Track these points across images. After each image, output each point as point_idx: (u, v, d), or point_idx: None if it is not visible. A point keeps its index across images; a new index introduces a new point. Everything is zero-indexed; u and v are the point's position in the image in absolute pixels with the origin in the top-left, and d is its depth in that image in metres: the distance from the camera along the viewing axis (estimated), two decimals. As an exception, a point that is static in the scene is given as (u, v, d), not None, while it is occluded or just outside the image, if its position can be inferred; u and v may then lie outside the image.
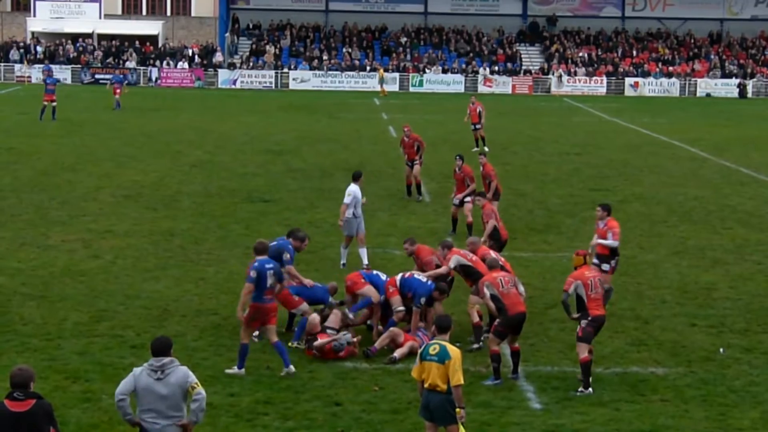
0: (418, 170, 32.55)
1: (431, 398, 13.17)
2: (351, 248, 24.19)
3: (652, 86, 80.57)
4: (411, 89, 78.82)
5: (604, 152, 45.13)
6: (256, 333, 18.72)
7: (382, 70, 77.66)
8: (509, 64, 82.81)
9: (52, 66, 75.11)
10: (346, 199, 23.93)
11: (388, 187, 34.46)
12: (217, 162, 39.85)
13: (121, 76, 63.11)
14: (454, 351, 13.10)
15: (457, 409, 13.09)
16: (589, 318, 16.61)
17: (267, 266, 16.85)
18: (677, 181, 37.74)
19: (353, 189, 24.14)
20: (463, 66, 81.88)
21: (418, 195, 32.58)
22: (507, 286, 16.99)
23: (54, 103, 52.74)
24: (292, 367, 17.00)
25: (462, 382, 13.06)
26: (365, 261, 23.53)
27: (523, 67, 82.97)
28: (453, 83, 79.31)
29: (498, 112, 60.93)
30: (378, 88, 75.64)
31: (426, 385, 13.17)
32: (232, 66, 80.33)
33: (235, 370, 16.99)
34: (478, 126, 44.68)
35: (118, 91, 58.46)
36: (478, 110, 44.65)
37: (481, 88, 78.54)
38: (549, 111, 65.71)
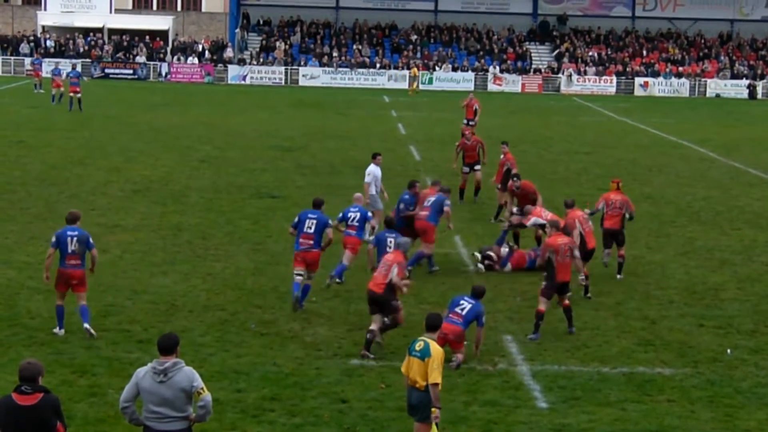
0: (479, 176, 32.03)
1: (411, 394, 13.32)
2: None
3: (661, 86, 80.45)
4: (421, 87, 78.73)
5: (613, 152, 45.09)
6: (253, 324, 18.85)
7: (415, 69, 77.69)
8: (519, 63, 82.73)
9: (63, 59, 75.50)
10: (367, 179, 25.99)
11: (396, 184, 34.34)
12: (225, 157, 39.88)
13: (60, 69, 62.33)
14: (435, 350, 13.13)
15: (433, 409, 13.07)
16: (602, 227, 23.13)
17: (69, 233, 18.20)
18: (686, 181, 37.70)
19: (372, 169, 26.14)
20: (474, 64, 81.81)
21: (475, 197, 32.34)
22: (565, 255, 18.95)
23: (79, 95, 54.07)
24: (91, 330, 18.21)
25: (438, 381, 13.02)
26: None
27: (533, 66, 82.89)
28: (463, 81, 79.22)
29: (507, 110, 60.92)
30: (409, 86, 75.88)
31: (408, 381, 13.29)
32: (242, 62, 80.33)
33: (60, 331, 18.34)
34: (471, 122, 44.35)
35: (59, 84, 57.78)
36: (474, 107, 44.68)
37: (491, 87, 78.48)
38: (558, 110, 65.63)
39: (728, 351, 18.69)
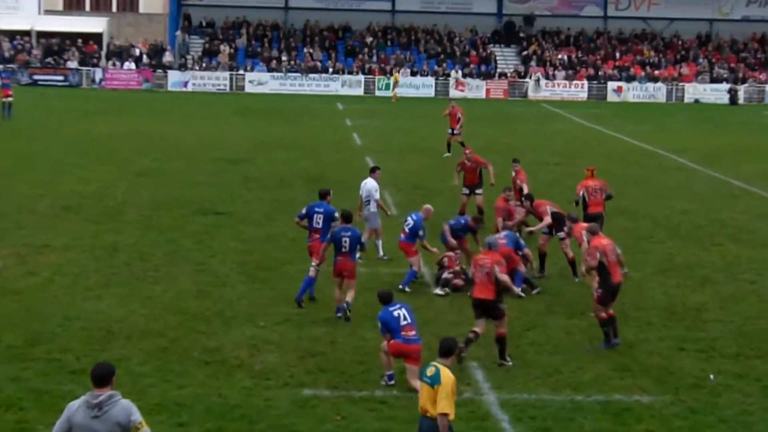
0: (480, 200, 31.31)
1: (422, 423, 13.29)
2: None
3: (636, 91, 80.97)
4: (377, 93, 78.77)
5: (585, 162, 45.05)
6: (197, 352, 18.72)
7: (397, 74, 77.79)
8: (483, 67, 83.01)
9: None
10: (376, 195, 26.79)
11: (352, 198, 34.34)
12: (166, 170, 39.71)
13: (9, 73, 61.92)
14: (446, 377, 13.06)
15: None
16: (586, 212, 26.47)
17: None
18: (664, 193, 37.88)
19: (373, 183, 26.99)
20: (434, 68, 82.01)
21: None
22: (611, 255, 19.89)
23: (10, 99, 54.64)
24: None
25: (447, 411, 12.94)
26: (380, 252, 26.70)
27: (498, 70, 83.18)
28: (423, 87, 79.42)
29: (471, 117, 60.84)
30: (391, 93, 76.20)
31: (419, 408, 13.31)
32: (183, 67, 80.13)
33: None
34: (455, 131, 45.54)
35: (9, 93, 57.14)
36: (457, 115, 45.54)
37: (453, 92, 78.63)
38: (525, 117, 65.89)
39: (711, 376, 18.73)
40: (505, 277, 19.10)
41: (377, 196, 26.87)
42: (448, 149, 45.99)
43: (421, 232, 24.11)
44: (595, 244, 20.16)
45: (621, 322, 21.71)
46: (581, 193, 27.33)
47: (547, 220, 25.90)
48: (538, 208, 26.43)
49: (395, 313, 17.31)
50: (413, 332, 17.39)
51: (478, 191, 31.63)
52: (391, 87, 77.07)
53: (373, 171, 27.72)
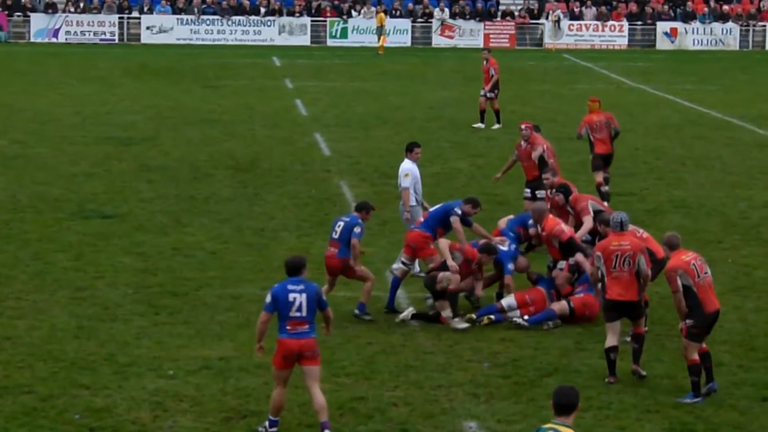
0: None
1: None
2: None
3: (698, 35, 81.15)
4: (329, 42, 78.91)
5: (626, 136, 45.26)
6: (78, 415, 18.76)
7: (382, 14, 77.29)
8: (479, 3, 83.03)
9: None
10: (405, 182, 27.09)
11: (295, 192, 34.34)
12: (29, 157, 39.66)
13: None
14: None
15: None
16: (593, 152, 32.10)
17: None
18: (738, 179, 37.96)
19: (410, 166, 27.36)
20: (409, 6, 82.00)
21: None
22: (702, 273, 20.19)
23: None
24: None
25: None
26: (416, 266, 26.54)
27: (501, 8, 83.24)
28: (394, 33, 79.29)
29: (464, 75, 61.16)
30: (377, 43, 76.13)
31: None
32: (51, 8, 79.88)
33: None
34: (490, 94, 46.78)
35: None
36: (490, 71, 46.88)
37: (437, 40, 78.63)
38: (541, 74, 66.00)
39: (806, 437, 18.89)
40: (650, 274, 20.75)
41: (406, 183, 26.89)
42: (481, 118, 46.10)
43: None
44: (674, 266, 20.17)
45: (678, 364, 21.57)
46: (584, 131, 32.89)
47: (588, 222, 25.37)
48: (577, 204, 25.92)
49: (291, 297, 17.53)
50: (306, 326, 17.68)
51: (541, 192, 29.09)
52: (378, 34, 76.68)
53: (409, 149, 27.62)
